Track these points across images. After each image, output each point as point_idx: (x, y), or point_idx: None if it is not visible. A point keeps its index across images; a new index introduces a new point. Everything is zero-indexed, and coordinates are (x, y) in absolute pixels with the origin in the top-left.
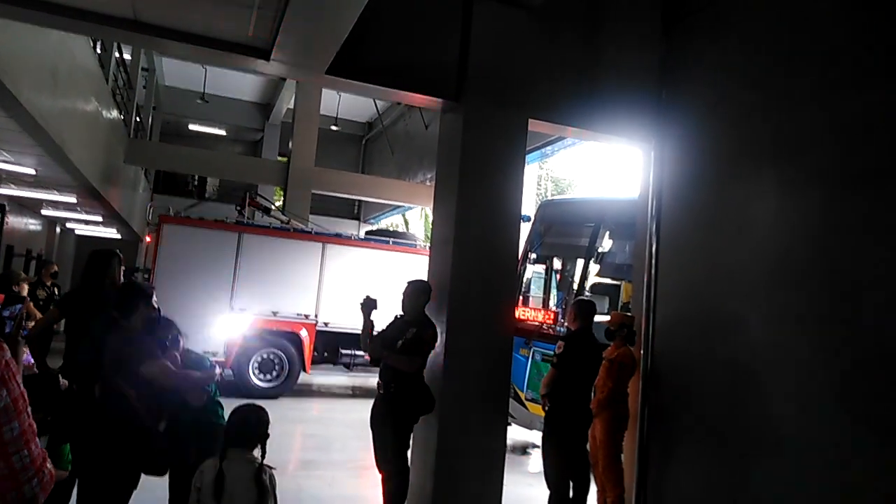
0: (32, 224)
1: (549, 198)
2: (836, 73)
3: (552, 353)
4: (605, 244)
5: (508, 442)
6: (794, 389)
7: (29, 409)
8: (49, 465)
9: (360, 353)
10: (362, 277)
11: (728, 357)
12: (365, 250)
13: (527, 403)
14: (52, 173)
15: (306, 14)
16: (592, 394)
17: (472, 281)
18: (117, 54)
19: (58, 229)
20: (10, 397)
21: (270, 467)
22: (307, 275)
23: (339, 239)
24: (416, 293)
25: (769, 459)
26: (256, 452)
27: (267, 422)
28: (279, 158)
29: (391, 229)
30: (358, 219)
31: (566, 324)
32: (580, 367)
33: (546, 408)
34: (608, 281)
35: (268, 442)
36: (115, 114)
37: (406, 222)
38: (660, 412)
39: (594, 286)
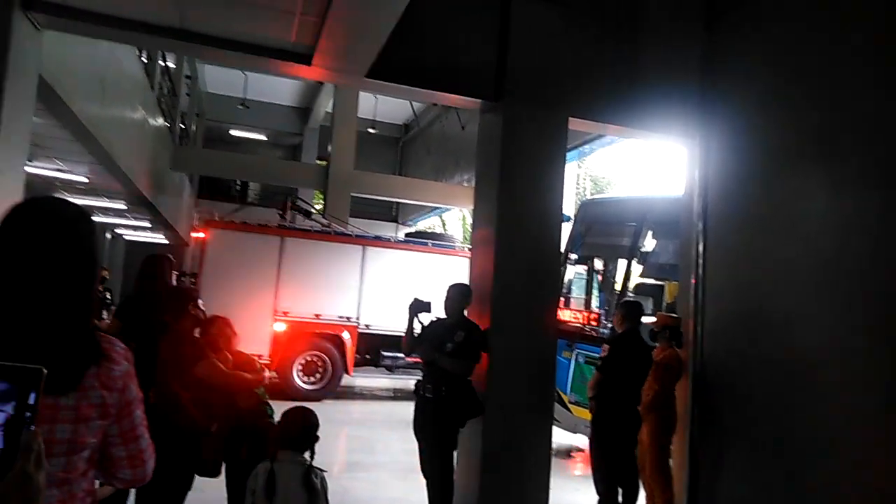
0: None
1: (590, 197)
2: (888, 64)
3: (595, 355)
4: (648, 243)
5: (553, 445)
6: (850, 392)
7: None
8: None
9: (402, 355)
10: (402, 279)
11: (780, 358)
12: (405, 252)
13: (570, 407)
14: (103, 181)
15: (347, 19)
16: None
17: (514, 282)
18: (162, 63)
19: (108, 235)
20: (136, 388)
21: (322, 470)
22: (348, 277)
23: (379, 241)
24: (458, 296)
25: (824, 465)
26: (307, 455)
27: (316, 425)
28: (318, 162)
29: (430, 231)
30: (396, 221)
31: (613, 326)
32: (627, 370)
33: (593, 411)
34: (652, 281)
35: (316, 445)
36: (160, 121)
37: (444, 224)
38: (710, 415)
39: (637, 287)
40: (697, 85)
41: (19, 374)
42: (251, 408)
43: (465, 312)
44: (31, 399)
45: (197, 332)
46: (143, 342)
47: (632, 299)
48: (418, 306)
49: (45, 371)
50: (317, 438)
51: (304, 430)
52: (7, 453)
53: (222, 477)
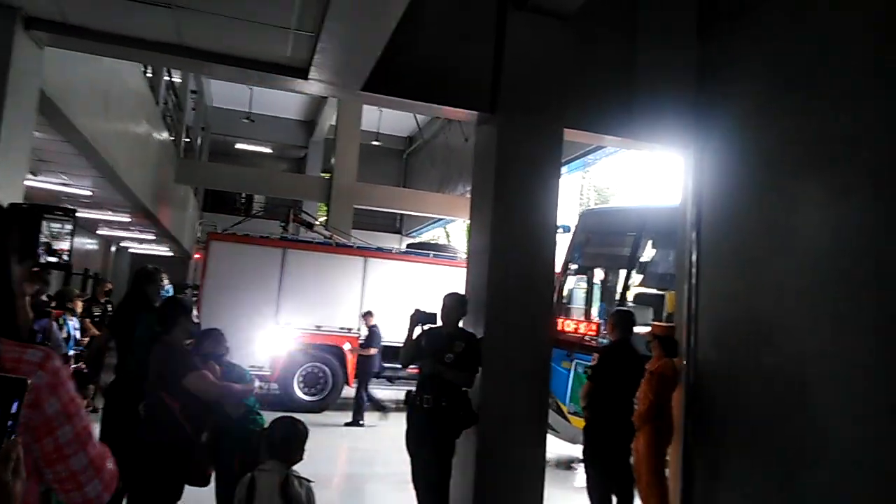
0: (89, 244)
1: (591, 207)
2: (884, 73)
3: None
4: (648, 253)
5: (552, 457)
6: (845, 401)
7: (83, 411)
8: (111, 465)
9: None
10: (404, 290)
11: (775, 368)
12: (406, 263)
13: (570, 417)
14: (107, 194)
15: (340, 34)
16: (635, 406)
17: (509, 291)
18: (167, 78)
19: (113, 248)
20: (60, 403)
21: (308, 480)
22: (350, 289)
23: (381, 253)
24: (456, 305)
25: (819, 474)
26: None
27: (303, 435)
28: (322, 174)
29: (432, 242)
30: (400, 232)
31: (607, 335)
32: (619, 379)
33: (586, 420)
34: (653, 291)
35: (308, 455)
36: (165, 135)
37: (447, 235)
38: (704, 425)
39: (638, 296)
40: (692, 96)
41: (3, 383)
42: (240, 416)
43: (461, 322)
44: (14, 408)
45: (189, 344)
46: (135, 353)
47: (623, 309)
48: (422, 317)
49: (30, 381)
50: (303, 449)
51: (288, 440)
52: None
53: (212, 486)
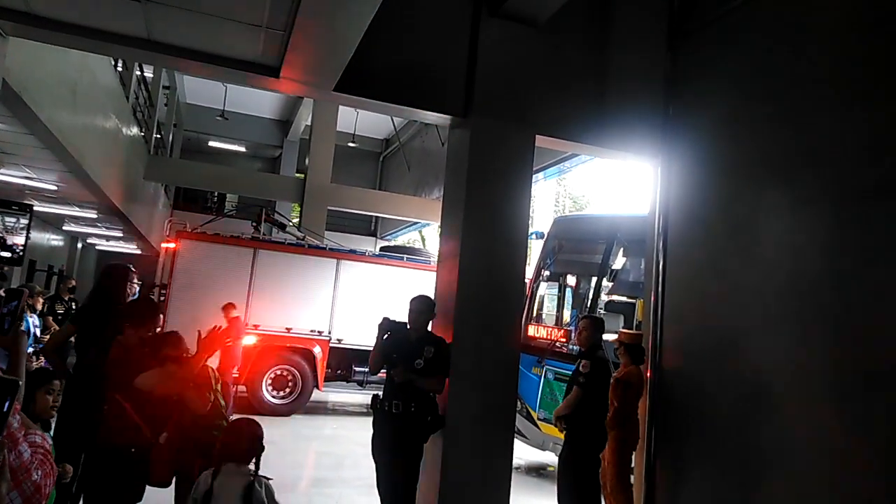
0: (54, 240)
1: (564, 214)
2: (846, 88)
3: (566, 371)
4: (619, 261)
5: (521, 463)
6: (808, 410)
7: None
8: (36, 476)
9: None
10: (376, 294)
11: (738, 376)
12: (379, 266)
13: (539, 423)
14: (73, 189)
15: (312, 33)
16: None
17: (478, 296)
18: (138, 72)
19: (79, 245)
20: None
21: (267, 478)
22: (321, 291)
23: (353, 255)
24: (425, 309)
25: (780, 482)
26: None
27: (260, 436)
28: (297, 175)
29: (406, 246)
30: (375, 235)
31: (577, 342)
32: (604, 388)
33: (563, 429)
34: (624, 299)
35: (275, 459)
36: (135, 131)
37: (423, 239)
38: (667, 432)
39: (609, 304)
40: (661, 107)
41: None
42: (206, 417)
43: (430, 325)
44: (6, 407)
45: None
46: (99, 352)
47: (594, 315)
48: (390, 326)
49: (21, 382)
50: (261, 450)
51: (246, 441)
52: None
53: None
